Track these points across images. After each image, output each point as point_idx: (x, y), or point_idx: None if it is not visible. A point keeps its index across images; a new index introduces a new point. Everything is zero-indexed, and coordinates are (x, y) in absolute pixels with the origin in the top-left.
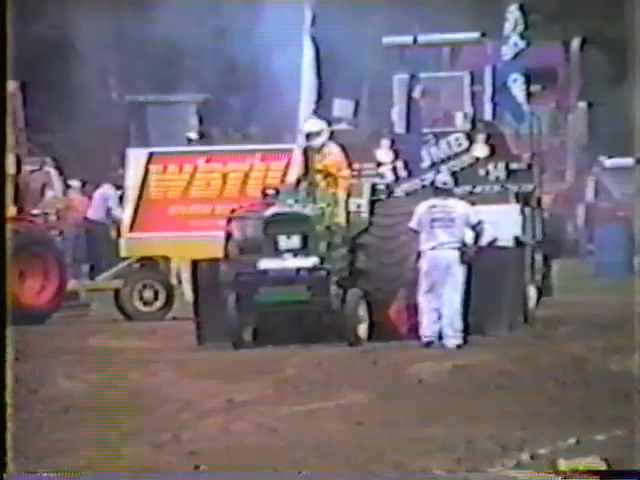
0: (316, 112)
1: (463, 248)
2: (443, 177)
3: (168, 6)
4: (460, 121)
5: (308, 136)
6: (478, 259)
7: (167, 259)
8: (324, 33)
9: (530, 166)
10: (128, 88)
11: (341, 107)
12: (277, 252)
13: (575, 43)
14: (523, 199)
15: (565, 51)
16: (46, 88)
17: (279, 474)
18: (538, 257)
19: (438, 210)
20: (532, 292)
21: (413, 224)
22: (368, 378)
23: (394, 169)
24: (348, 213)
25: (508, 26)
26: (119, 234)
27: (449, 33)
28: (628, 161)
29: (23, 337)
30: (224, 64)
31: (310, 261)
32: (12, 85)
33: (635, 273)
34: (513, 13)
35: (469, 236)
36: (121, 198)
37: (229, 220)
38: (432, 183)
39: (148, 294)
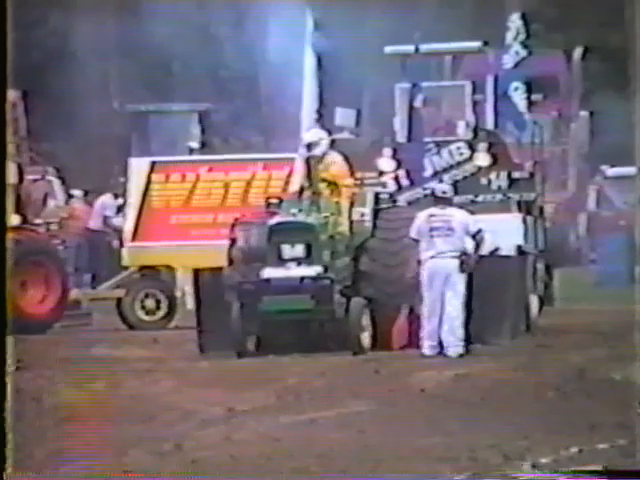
0: (318, 121)
1: (463, 257)
2: (442, 186)
3: (170, 16)
4: (462, 130)
5: (309, 146)
6: (480, 268)
7: (169, 268)
8: (326, 42)
9: (532, 175)
10: (130, 97)
11: (343, 116)
12: (281, 261)
13: (577, 52)
14: (525, 208)
15: (567, 60)
16: (47, 97)
17: None
18: (540, 266)
19: (437, 219)
20: (534, 301)
21: (413, 233)
22: (370, 387)
23: (396, 178)
24: (351, 222)
25: (510, 35)
26: (121, 243)
27: (451, 42)
28: (630, 170)
29: (25, 346)
30: (226, 73)
31: (314, 270)
32: (13, 94)
33: (637, 282)
34: (515, 22)
35: (469, 245)
36: (120, 207)
37: (233, 229)
38: (432, 192)
39: (150, 303)
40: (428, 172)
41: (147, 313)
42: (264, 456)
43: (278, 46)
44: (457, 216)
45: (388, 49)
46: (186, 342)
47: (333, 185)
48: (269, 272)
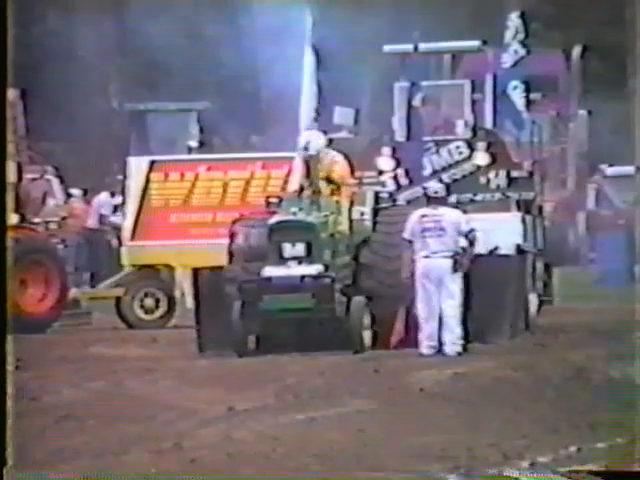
0: (316, 120)
1: (456, 257)
2: (434, 186)
3: (169, 15)
4: (461, 129)
5: (306, 147)
6: (479, 267)
7: (168, 267)
8: (325, 41)
9: (531, 174)
10: (128, 96)
11: (342, 115)
12: (281, 260)
13: (576, 51)
14: (524, 207)
15: (566, 59)
16: (46, 96)
17: None
18: (539, 265)
19: (429, 219)
20: (533, 300)
21: (406, 234)
22: (369, 386)
23: (395, 177)
24: (351, 221)
25: (509, 34)
26: (120, 242)
27: (450, 41)
28: (629, 169)
29: (24, 345)
30: (225, 72)
31: (314, 269)
32: (12, 93)
33: (636, 281)
34: (514, 21)
35: (463, 244)
36: (118, 206)
37: (233, 228)
38: (424, 192)
39: (149, 302)
40: (427, 171)
41: (146, 312)
42: (263, 455)
43: (277, 45)
44: (448, 216)
45: (387, 48)
46: (185, 341)
47: (333, 184)
48: (270, 271)
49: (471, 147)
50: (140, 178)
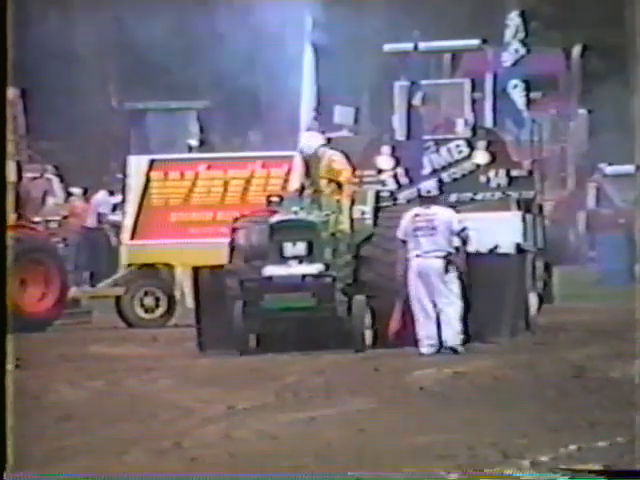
0: (317, 119)
1: (449, 256)
2: (427, 185)
3: (168, 14)
4: (461, 128)
5: (303, 149)
6: (480, 266)
7: (168, 266)
8: (325, 40)
9: (531, 173)
10: (128, 95)
11: (342, 114)
12: (282, 259)
13: (576, 50)
14: (524, 206)
15: (566, 58)
16: (47, 95)
17: None
18: (539, 264)
19: (421, 219)
20: (533, 299)
21: (400, 234)
22: (369, 385)
23: (395, 176)
24: (352, 220)
25: (509, 33)
26: (119, 241)
27: (450, 40)
28: (629, 168)
29: (24, 344)
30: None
31: (315, 268)
32: (12, 92)
33: (636, 280)
34: (514, 20)
35: (456, 243)
36: (117, 204)
37: (234, 227)
38: (418, 191)
39: (149, 301)
40: (427, 170)
41: (146, 311)
42: (263, 454)
43: (277, 44)
44: (441, 215)
45: (387, 47)
46: (185, 340)
47: (334, 183)
48: (271, 270)
49: (471, 146)
50: (140, 177)
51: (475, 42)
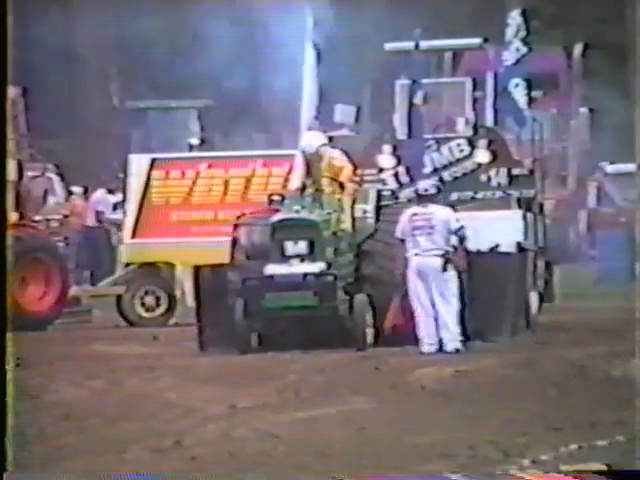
0: (318, 118)
1: (447, 255)
2: (425, 184)
3: (169, 13)
4: (462, 127)
5: (305, 149)
6: (480, 265)
7: (169, 265)
8: (326, 39)
9: (532, 172)
10: (129, 94)
11: (343, 113)
12: (284, 258)
13: (577, 49)
14: (525, 205)
15: (567, 57)
16: (48, 94)
17: None
18: (540, 263)
19: (419, 218)
20: (534, 298)
21: (398, 233)
22: (370, 384)
23: (396, 175)
24: (354, 219)
25: (510, 32)
26: (120, 240)
27: (451, 39)
28: (630, 167)
29: (25, 343)
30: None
31: (317, 266)
32: (13, 91)
33: (637, 279)
34: (515, 19)
35: (454, 242)
36: (118, 204)
37: (236, 226)
38: (416, 190)
39: (150, 300)
40: (428, 169)
41: (147, 310)
42: (264, 453)
43: (278, 42)
44: (438, 213)
45: (388, 46)
46: (186, 339)
47: (336, 182)
48: (272, 269)
49: (472, 145)
50: (141, 176)
51: (476, 41)
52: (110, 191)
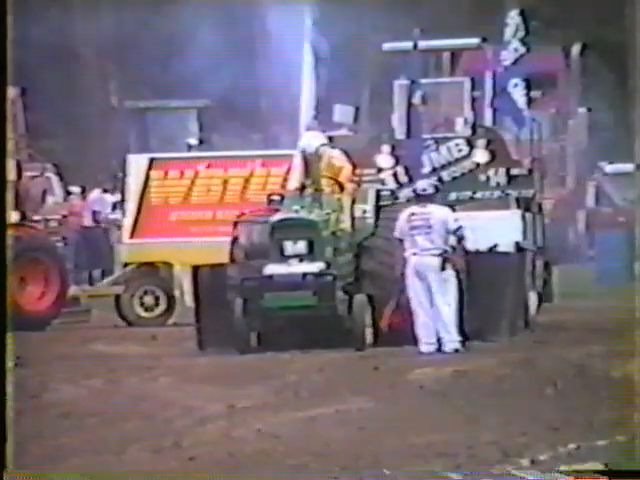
0: (316, 118)
1: (445, 254)
2: (423, 183)
3: (169, 13)
4: (460, 127)
5: (304, 149)
6: (479, 265)
7: (168, 265)
8: (324, 39)
9: (530, 171)
10: (128, 94)
11: (341, 113)
12: (283, 257)
13: (575, 49)
14: (524, 205)
15: (565, 57)
16: (47, 94)
17: None
18: (539, 263)
19: (417, 217)
20: (533, 298)
21: (397, 233)
22: (369, 384)
23: (395, 175)
24: (353, 219)
25: (508, 32)
26: (119, 240)
27: (449, 39)
28: (628, 166)
29: (24, 343)
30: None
31: (316, 266)
32: (13, 91)
33: (636, 279)
34: (514, 19)
35: (453, 242)
36: (116, 203)
37: (235, 225)
38: (414, 190)
39: (149, 300)
40: (427, 169)
41: (146, 310)
42: (263, 453)
43: (277, 43)
44: (436, 213)
45: (386, 46)
46: (185, 339)
47: (335, 182)
48: (271, 269)
49: (471, 145)
50: (140, 176)
51: (475, 41)
52: (106, 191)
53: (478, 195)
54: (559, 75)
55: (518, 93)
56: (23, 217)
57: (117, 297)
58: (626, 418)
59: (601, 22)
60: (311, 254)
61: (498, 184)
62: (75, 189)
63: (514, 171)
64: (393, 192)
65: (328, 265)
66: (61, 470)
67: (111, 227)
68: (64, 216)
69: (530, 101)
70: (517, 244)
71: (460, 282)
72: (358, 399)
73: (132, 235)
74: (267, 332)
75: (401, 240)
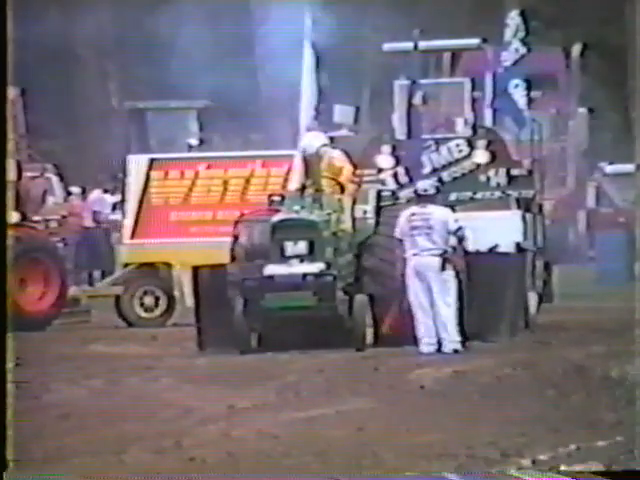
0: (317, 118)
1: (445, 255)
2: (423, 184)
3: (169, 13)
4: (461, 127)
5: (305, 149)
6: (479, 265)
7: (168, 265)
8: (324, 39)
9: (531, 172)
10: (128, 94)
11: (342, 113)
12: (283, 258)
13: (575, 49)
14: (524, 205)
15: (565, 57)
16: (47, 94)
17: None
18: (539, 263)
19: (417, 218)
20: (533, 298)
21: (397, 233)
22: (369, 384)
23: (395, 175)
24: (354, 219)
25: (509, 32)
26: (119, 240)
27: (450, 39)
28: (629, 167)
29: (24, 343)
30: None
31: (316, 267)
32: (13, 91)
33: (636, 279)
34: (514, 19)
35: (453, 243)
36: (116, 204)
37: (236, 225)
38: (415, 190)
39: (149, 300)
40: (427, 169)
41: (146, 310)
42: (263, 453)
43: (276, 43)
44: (436, 214)
45: (387, 46)
46: (185, 339)
47: (336, 183)
48: (272, 269)
49: (471, 145)
50: (140, 176)
51: (475, 41)
52: (106, 191)
53: (478, 195)
54: (559, 76)
55: (518, 93)
56: (23, 218)
57: (117, 297)
58: (626, 418)
59: (601, 22)
60: (311, 254)
61: (498, 184)
62: (75, 189)
63: (514, 171)
64: (394, 192)
65: (328, 265)
66: (61, 470)
67: (111, 228)
68: (64, 217)
69: (530, 101)
70: (517, 245)
71: (460, 282)
72: (358, 399)
73: (132, 235)
74: (267, 332)
75: (401, 240)
